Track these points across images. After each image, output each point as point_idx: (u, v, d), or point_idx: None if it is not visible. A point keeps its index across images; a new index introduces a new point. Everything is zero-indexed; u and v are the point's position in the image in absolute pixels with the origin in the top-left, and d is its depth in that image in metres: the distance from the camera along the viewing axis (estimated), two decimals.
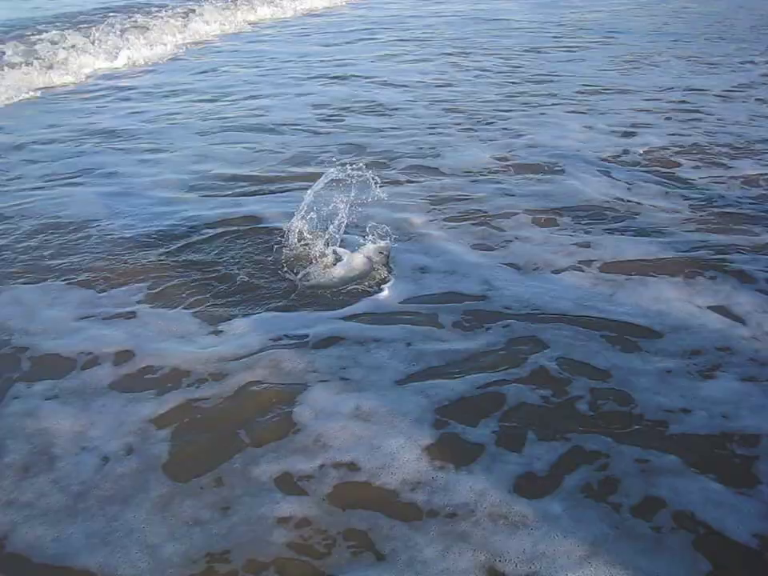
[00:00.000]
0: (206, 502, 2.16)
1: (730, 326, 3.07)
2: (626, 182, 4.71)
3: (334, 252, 3.50)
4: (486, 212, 4.23)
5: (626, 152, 5.32)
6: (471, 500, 2.18)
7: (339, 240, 3.59)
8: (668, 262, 3.60)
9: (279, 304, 3.24)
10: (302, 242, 3.63)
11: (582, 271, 3.51)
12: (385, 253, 3.56)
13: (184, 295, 3.33)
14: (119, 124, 6.36)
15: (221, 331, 3.04)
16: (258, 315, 3.15)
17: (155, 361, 2.85)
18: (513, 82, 7.67)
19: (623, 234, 3.91)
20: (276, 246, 3.73)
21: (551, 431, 2.48)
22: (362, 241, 3.66)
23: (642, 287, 3.38)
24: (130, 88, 7.93)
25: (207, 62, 9.30)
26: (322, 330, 3.03)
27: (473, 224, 4.08)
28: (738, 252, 3.69)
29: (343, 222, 3.58)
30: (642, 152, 5.32)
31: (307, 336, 2.99)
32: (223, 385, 2.70)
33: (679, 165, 5.05)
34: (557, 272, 3.52)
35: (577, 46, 9.80)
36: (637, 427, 2.52)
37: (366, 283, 3.38)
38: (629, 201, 4.39)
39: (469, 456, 2.37)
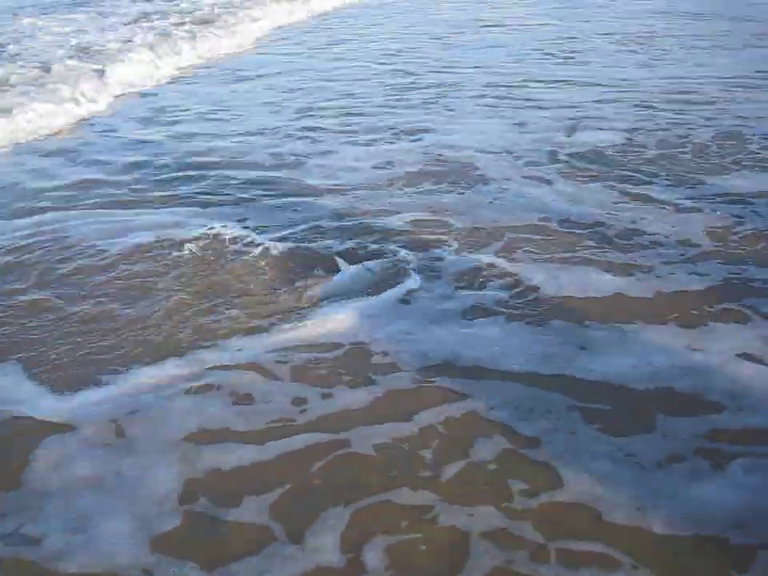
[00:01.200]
0: None
1: None
2: (582, 191, 3.55)
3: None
4: (392, 229, 3.20)
5: (573, 153, 4.09)
6: None
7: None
8: (672, 300, 2.58)
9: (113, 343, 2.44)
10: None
11: (541, 312, 2.51)
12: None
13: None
14: None
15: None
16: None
17: None
18: (412, 73, 6.24)
19: (597, 265, 2.81)
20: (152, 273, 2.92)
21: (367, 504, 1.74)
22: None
23: (637, 334, 2.37)
24: None
25: None
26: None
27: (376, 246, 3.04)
28: None
29: None
30: (595, 152, 4.07)
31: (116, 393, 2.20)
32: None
33: (659, 169, 3.81)
34: (495, 314, 2.50)
35: (496, 29, 8.10)
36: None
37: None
38: (596, 217, 3.25)
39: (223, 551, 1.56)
